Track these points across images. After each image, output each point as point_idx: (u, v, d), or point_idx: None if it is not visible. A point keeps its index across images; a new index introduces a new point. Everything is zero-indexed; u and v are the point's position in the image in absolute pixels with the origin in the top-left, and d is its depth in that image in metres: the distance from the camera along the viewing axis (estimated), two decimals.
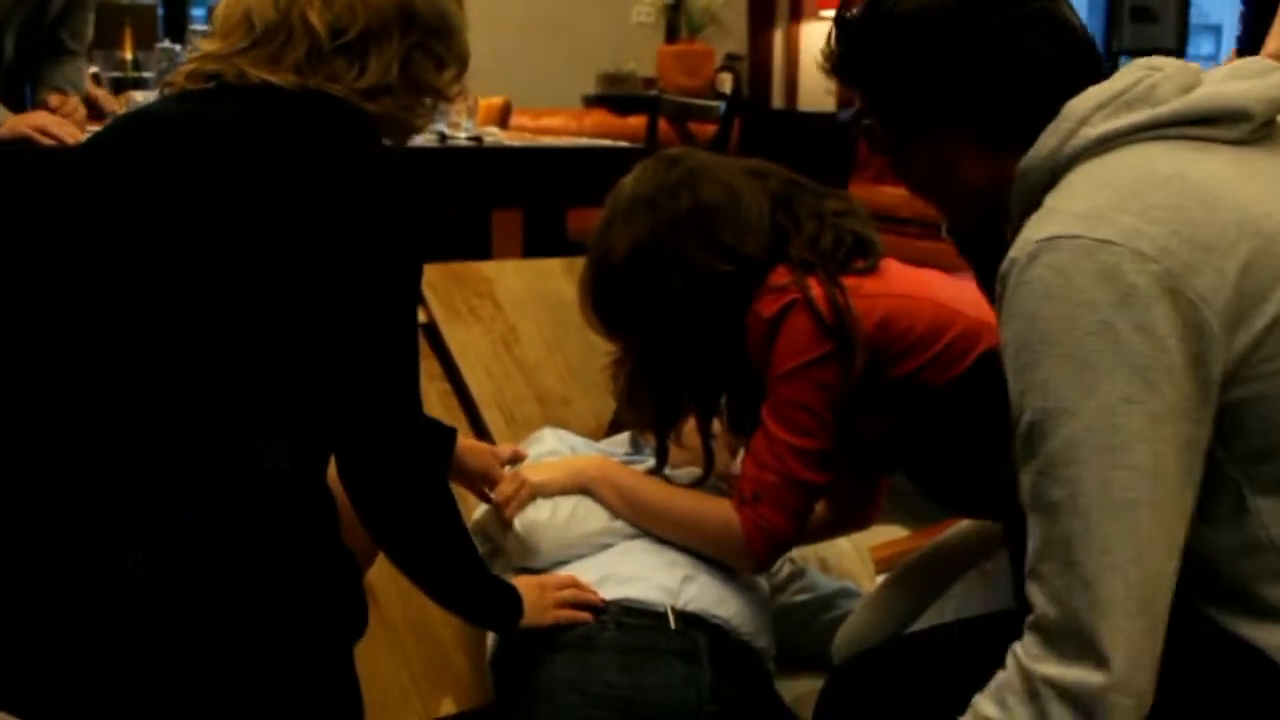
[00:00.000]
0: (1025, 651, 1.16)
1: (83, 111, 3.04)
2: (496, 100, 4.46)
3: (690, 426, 1.98)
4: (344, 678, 1.52)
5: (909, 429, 1.83)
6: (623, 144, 3.73)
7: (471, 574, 1.62)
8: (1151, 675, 1.12)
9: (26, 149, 2.72)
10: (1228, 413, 1.14)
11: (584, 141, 3.91)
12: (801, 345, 1.74)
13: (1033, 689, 1.13)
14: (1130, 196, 1.15)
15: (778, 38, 7.15)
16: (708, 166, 1.86)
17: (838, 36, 1.38)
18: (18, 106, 3.01)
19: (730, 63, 6.93)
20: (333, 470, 1.48)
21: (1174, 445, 1.11)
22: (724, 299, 1.80)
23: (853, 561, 2.42)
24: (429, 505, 1.51)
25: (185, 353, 1.36)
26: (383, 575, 1.95)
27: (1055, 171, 1.22)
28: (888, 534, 2.67)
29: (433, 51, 1.53)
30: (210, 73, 1.49)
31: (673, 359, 1.85)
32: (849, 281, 1.77)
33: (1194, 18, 7.97)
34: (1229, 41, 8.13)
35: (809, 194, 1.87)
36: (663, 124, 4.50)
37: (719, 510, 1.83)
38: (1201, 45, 8.26)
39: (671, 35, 6.92)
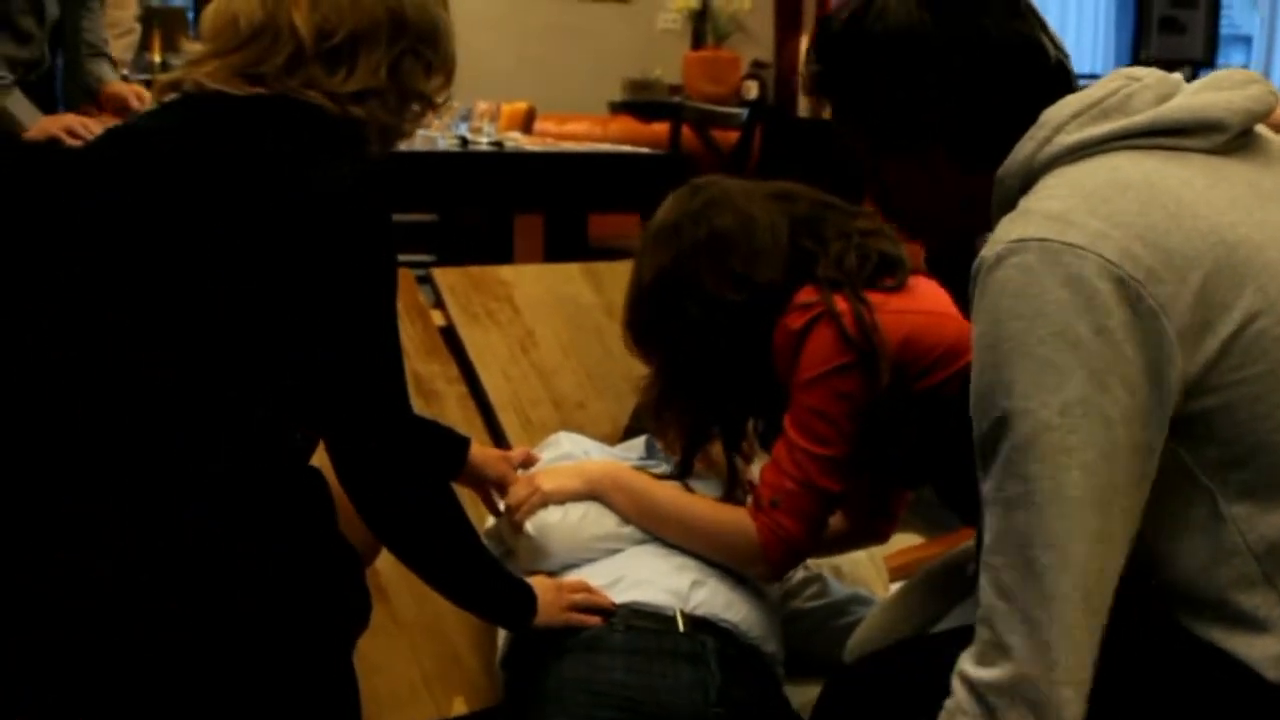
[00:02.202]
0: (971, 660, 1.17)
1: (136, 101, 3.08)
2: (520, 105, 4.48)
3: (718, 446, 2.00)
4: (342, 672, 1.53)
5: (933, 440, 1.84)
6: (643, 150, 3.74)
7: (479, 569, 1.63)
8: (1092, 670, 1.14)
9: (55, 149, 2.77)
10: (1198, 421, 1.16)
11: (604, 147, 3.93)
12: (825, 355, 1.76)
13: (984, 702, 1.15)
14: (1099, 202, 1.16)
15: (804, 45, 7.14)
16: (729, 193, 1.90)
17: (816, 52, 1.39)
18: (48, 106, 3.05)
19: (756, 70, 6.93)
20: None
21: (1126, 448, 1.12)
22: (738, 325, 1.84)
23: (866, 569, 2.42)
24: (425, 500, 1.51)
25: (176, 353, 1.38)
26: (395, 575, 1.97)
27: (1030, 177, 1.24)
28: (903, 542, 2.67)
29: (423, 57, 1.53)
30: (177, 84, 1.51)
31: (697, 381, 1.89)
32: (875, 298, 1.80)
33: (1224, 29, 7.92)
34: (1260, 53, 8.06)
35: (837, 214, 1.90)
36: (686, 131, 4.51)
37: (734, 517, 1.84)
38: (1232, 56, 8.20)
39: (698, 42, 6.92)
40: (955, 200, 1.33)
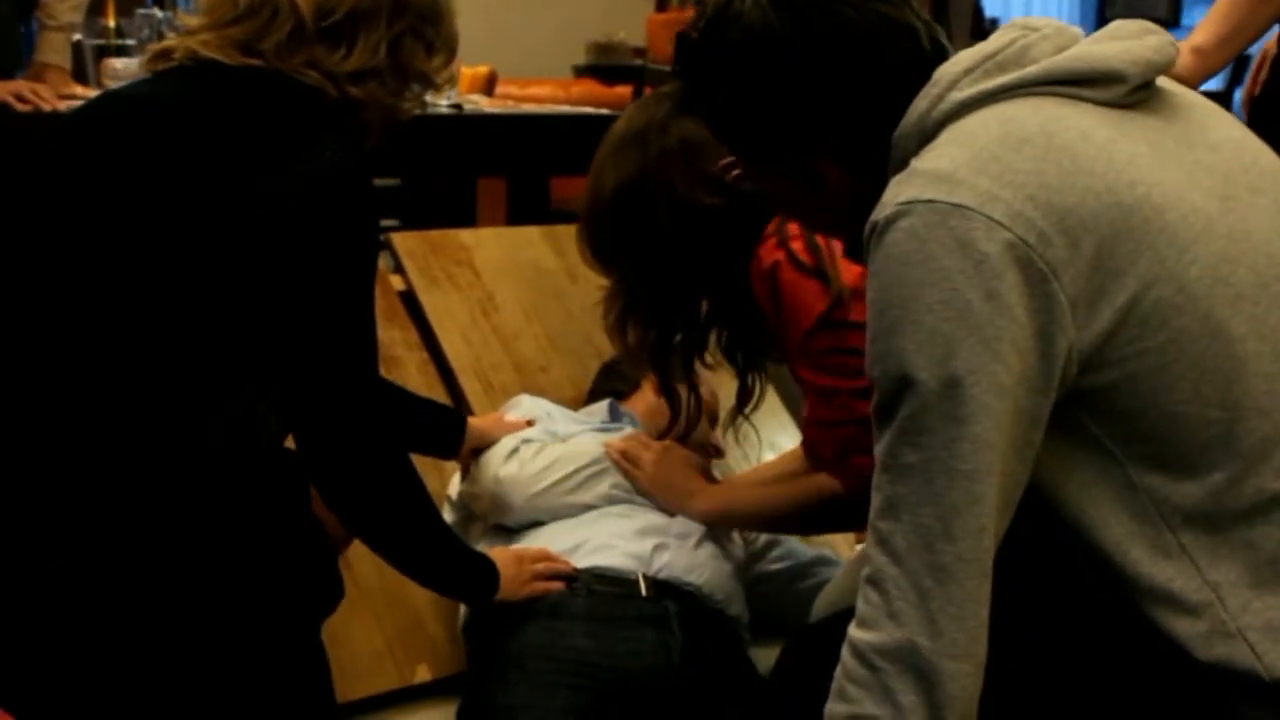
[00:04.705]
0: (858, 625, 1.15)
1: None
2: (482, 69, 4.43)
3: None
4: (312, 653, 1.51)
5: None
6: (604, 112, 3.71)
7: (441, 547, 1.62)
8: (985, 644, 1.13)
9: (2, 115, 2.72)
10: (1102, 394, 1.13)
11: (565, 109, 3.89)
12: (807, 300, 1.70)
13: (872, 666, 1.13)
14: (989, 158, 1.13)
15: None
16: None
17: (680, 66, 1.34)
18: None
19: None
20: None
21: (1015, 415, 1.11)
22: (710, 232, 1.77)
23: None
24: (387, 480, 1.50)
25: (155, 331, 1.36)
26: (357, 542, 1.95)
27: (924, 136, 1.19)
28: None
29: (423, 36, 1.51)
30: (168, 53, 1.47)
31: (662, 293, 1.83)
32: None
33: None
34: None
35: None
36: (649, 93, 4.47)
37: (815, 487, 1.80)
38: (1195, 15, 8.21)
39: (662, 4, 6.89)
40: (852, 199, 1.27)
